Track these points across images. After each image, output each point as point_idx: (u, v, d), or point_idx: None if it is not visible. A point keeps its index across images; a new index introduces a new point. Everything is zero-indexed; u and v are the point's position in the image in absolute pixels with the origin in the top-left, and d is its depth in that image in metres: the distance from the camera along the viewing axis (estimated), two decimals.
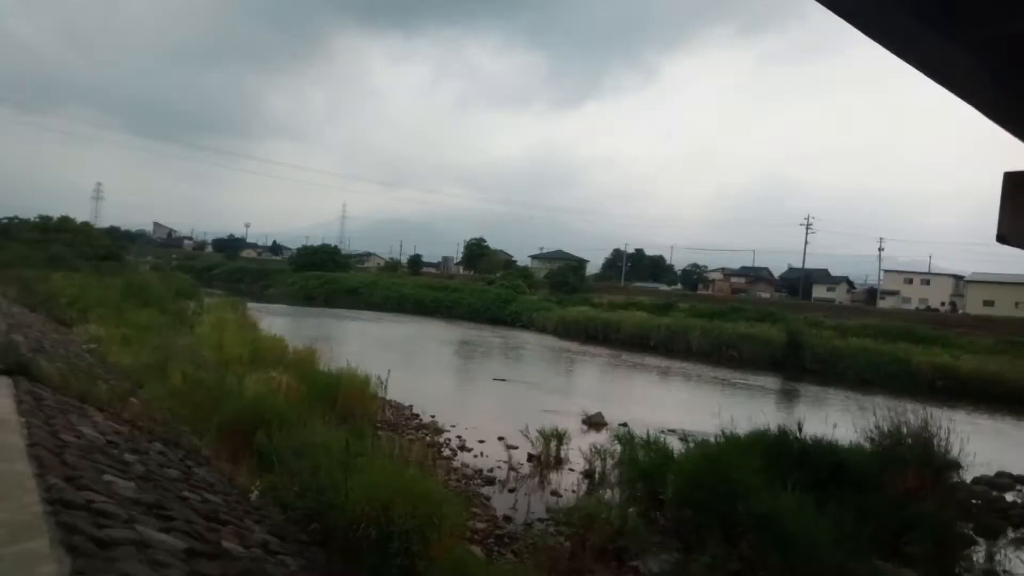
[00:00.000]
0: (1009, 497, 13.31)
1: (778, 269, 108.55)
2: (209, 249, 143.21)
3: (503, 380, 24.95)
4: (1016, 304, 66.14)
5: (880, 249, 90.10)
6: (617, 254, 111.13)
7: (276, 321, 30.96)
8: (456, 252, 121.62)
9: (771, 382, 30.76)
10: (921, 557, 9.50)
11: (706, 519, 9.12)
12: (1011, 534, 11.43)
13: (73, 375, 8.56)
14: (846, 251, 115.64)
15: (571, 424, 16.04)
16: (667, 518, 10.22)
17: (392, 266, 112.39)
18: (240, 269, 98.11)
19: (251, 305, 36.56)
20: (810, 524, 8.21)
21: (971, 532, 10.84)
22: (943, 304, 78.77)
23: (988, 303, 69.85)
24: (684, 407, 21.87)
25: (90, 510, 3.63)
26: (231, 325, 21.04)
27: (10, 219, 58.41)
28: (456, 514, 6.57)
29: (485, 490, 11.61)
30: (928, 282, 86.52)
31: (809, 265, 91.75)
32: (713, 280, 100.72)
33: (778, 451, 11.03)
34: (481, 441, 14.85)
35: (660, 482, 10.76)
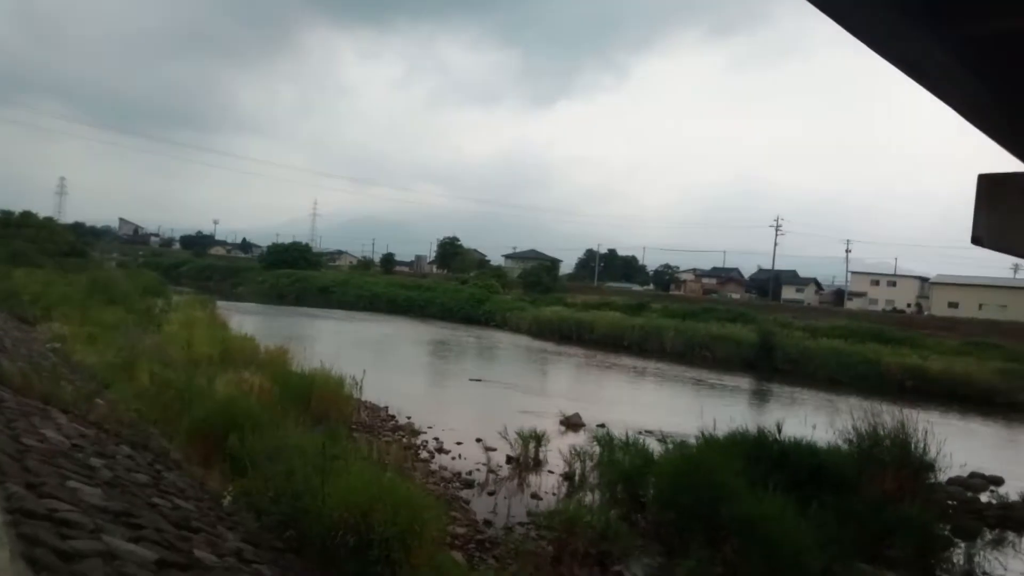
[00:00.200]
0: (983, 498, 13.43)
1: (748, 270, 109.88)
2: (177, 246, 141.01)
3: (479, 380, 24.81)
4: (980, 306, 67.63)
5: (847, 251, 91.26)
6: (590, 254, 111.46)
7: (246, 320, 30.44)
8: (429, 251, 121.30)
9: (745, 382, 30.98)
10: (903, 560, 9.52)
11: (689, 522, 9.06)
12: (988, 535, 11.53)
13: (36, 375, 8.21)
14: (814, 252, 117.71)
15: (549, 425, 15.94)
16: (649, 521, 10.14)
17: (364, 264, 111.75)
18: (209, 267, 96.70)
19: (220, 303, 36.06)
20: (793, 528, 8.17)
21: (949, 534, 10.88)
22: (909, 305, 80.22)
23: (952, 304, 71.29)
24: (662, 408, 21.92)
25: (53, 520, 3.44)
26: (200, 324, 20.67)
27: None
28: (437, 520, 6.38)
29: (464, 493, 11.44)
30: (894, 284, 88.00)
31: (778, 266, 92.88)
32: (685, 281, 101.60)
33: (758, 453, 11.03)
34: (459, 443, 14.66)
35: (641, 484, 10.70)
